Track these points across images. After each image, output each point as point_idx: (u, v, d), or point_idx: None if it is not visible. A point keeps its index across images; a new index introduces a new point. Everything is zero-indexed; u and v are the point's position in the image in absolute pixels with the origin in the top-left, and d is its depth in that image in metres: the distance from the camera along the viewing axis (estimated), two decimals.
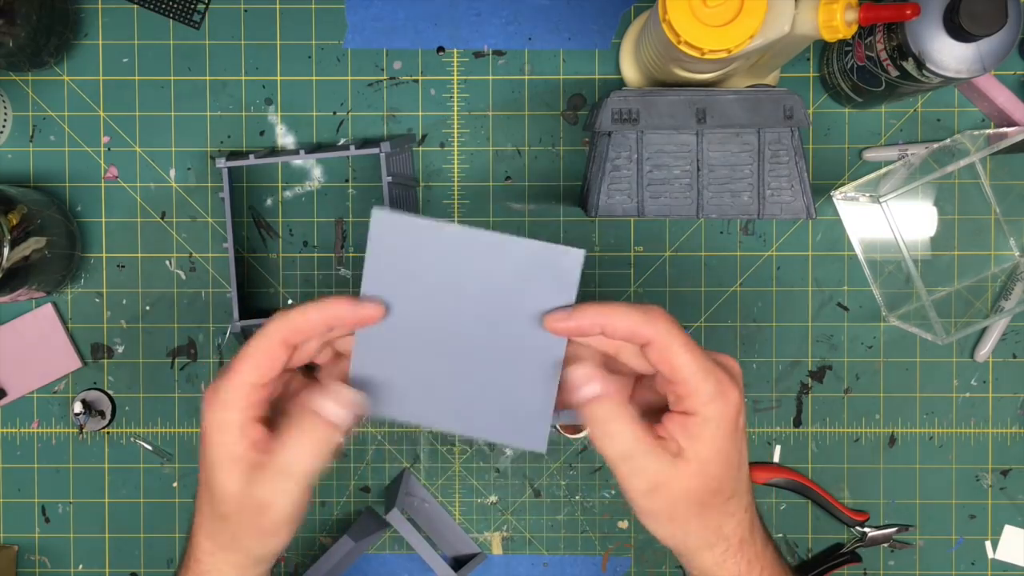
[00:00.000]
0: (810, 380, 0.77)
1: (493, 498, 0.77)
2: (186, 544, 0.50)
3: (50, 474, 0.77)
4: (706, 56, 0.58)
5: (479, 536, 0.77)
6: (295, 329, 0.45)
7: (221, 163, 0.71)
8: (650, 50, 0.65)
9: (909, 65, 0.62)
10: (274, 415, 0.47)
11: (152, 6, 0.74)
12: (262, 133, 0.76)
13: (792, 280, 0.76)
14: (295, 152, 0.71)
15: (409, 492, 0.77)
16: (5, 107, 0.75)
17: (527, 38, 0.75)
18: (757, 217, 0.66)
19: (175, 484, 0.77)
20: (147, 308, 0.76)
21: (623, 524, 0.77)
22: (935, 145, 0.73)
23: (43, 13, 0.68)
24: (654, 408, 0.48)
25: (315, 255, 0.76)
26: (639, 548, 0.77)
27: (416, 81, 0.76)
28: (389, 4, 0.75)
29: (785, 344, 0.76)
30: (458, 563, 0.76)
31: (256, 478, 0.45)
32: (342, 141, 0.76)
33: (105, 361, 0.76)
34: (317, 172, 0.76)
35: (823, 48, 0.75)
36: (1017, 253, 0.76)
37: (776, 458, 0.77)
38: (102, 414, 0.76)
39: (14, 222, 0.65)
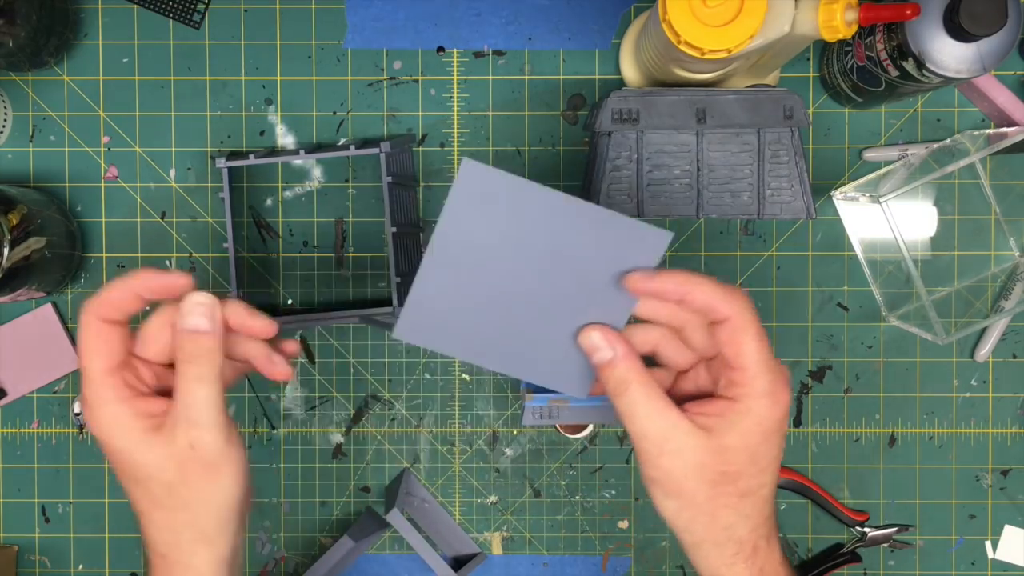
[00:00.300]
0: (810, 380, 0.77)
1: (493, 498, 0.77)
2: (145, 555, 0.50)
3: (50, 474, 0.77)
4: (706, 56, 0.58)
5: (479, 536, 0.77)
6: (104, 303, 0.47)
7: (221, 163, 0.71)
8: (650, 50, 0.65)
9: (909, 65, 0.62)
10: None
11: (152, 6, 0.74)
12: (262, 133, 0.76)
13: (792, 280, 0.76)
14: (295, 152, 0.71)
15: (409, 492, 0.77)
16: (5, 107, 0.75)
17: (527, 38, 0.75)
18: (757, 217, 0.66)
19: None
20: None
21: (623, 524, 0.77)
22: (935, 145, 0.73)
23: (43, 13, 0.68)
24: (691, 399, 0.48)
25: (315, 255, 0.76)
26: (639, 548, 0.77)
27: (416, 81, 0.76)
28: (389, 4, 0.75)
29: (785, 344, 0.76)
30: (458, 563, 0.76)
31: (167, 432, 0.46)
32: (342, 141, 0.76)
33: None
34: (317, 172, 0.76)
35: (823, 48, 0.75)
36: (1017, 253, 0.76)
37: None
38: None
39: (14, 222, 0.65)
